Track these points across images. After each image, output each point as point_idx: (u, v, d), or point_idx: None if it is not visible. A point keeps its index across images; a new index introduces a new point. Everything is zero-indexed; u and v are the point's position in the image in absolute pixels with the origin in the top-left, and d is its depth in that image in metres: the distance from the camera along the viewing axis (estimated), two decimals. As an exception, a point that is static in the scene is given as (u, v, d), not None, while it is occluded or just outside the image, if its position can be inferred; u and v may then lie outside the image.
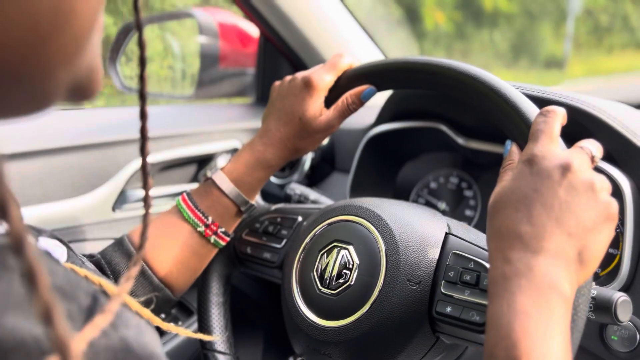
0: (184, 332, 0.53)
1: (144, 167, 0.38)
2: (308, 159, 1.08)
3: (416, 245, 0.59)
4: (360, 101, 0.70)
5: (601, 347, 0.64)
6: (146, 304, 0.64)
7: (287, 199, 0.95)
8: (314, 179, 1.10)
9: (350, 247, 0.62)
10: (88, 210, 0.91)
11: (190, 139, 1.05)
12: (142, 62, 0.36)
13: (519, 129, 0.53)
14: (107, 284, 0.42)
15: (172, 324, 0.49)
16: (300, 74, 0.70)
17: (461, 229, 0.62)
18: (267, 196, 1.10)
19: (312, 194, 0.93)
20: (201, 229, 0.68)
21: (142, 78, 0.36)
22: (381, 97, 0.85)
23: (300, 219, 0.74)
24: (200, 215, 0.68)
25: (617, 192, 0.63)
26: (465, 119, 0.85)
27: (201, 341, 0.74)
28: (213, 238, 0.69)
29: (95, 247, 0.90)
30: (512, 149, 0.53)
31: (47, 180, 0.87)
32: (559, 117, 0.50)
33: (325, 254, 0.64)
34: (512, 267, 0.43)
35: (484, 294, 0.54)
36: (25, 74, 0.26)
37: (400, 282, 0.58)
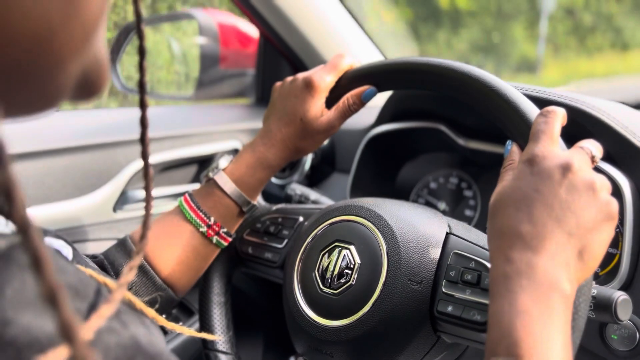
0: (188, 331, 0.53)
1: (144, 153, 0.37)
2: (308, 159, 1.08)
3: (417, 245, 0.59)
4: (361, 102, 0.70)
5: (601, 346, 0.64)
6: (151, 304, 0.64)
7: (288, 199, 0.96)
8: (314, 180, 1.10)
9: (352, 247, 0.62)
10: (89, 210, 0.92)
11: (190, 139, 1.05)
12: (142, 52, 0.36)
13: (520, 129, 0.53)
14: (112, 283, 0.42)
15: (175, 324, 0.49)
16: (301, 75, 0.71)
17: (462, 228, 0.62)
18: (268, 196, 1.10)
19: (312, 194, 0.94)
20: (203, 229, 0.68)
21: (141, 67, 0.36)
22: (381, 98, 0.85)
23: (301, 219, 0.75)
24: (203, 215, 0.68)
25: (616, 192, 0.63)
26: (465, 119, 0.86)
27: (203, 341, 0.74)
28: (215, 238, 0.69)
29: (96, 248, 0.91)
30: (512, 149, 0.53)
31: (48, 181, 0.87)
32: (559, 118, 0.50)
33: (327, 254, 0.64)
34: (513, 267, 0.44)
35: (485, 293, 0.54)
36: (36, 69, 0.25)
37: (401, 282, 0.58)
